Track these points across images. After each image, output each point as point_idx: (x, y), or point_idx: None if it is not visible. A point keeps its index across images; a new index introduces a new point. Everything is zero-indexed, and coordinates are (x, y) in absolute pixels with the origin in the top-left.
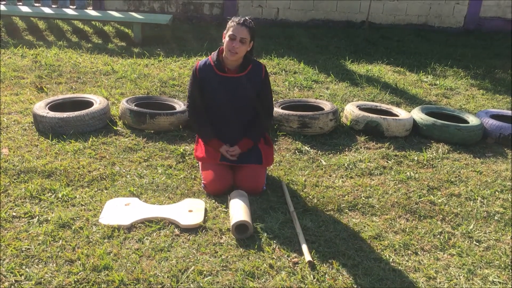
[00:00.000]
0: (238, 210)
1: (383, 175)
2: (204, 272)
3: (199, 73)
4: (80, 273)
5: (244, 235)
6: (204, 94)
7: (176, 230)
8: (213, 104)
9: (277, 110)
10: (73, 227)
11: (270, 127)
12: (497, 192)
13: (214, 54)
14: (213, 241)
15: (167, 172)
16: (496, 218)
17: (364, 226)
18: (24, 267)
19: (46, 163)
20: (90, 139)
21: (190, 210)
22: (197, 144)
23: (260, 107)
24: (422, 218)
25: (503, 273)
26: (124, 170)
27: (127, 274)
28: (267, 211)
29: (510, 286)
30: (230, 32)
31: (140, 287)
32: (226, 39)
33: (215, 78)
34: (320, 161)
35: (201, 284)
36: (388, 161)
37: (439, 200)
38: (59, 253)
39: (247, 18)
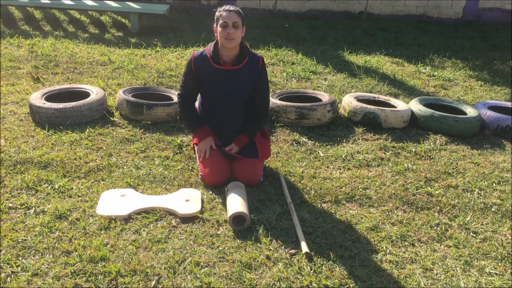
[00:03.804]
0: (235, 201)
1: (381, 166)
2: (201, 264)
3: (194, 65)
4: (76, 264)
5: (241, 227)
6: (199, 86)
7: (173, 221)
8: (208, 97)
9: (275, 101)
10: (69, 218)
11: (266, 121)
12: (494, 184)
13: (211, 46)
14: (210, 232)
15: (164, 163)
16: (493, 209)
17: (361, 218)
18: (20, 258)
19: (42, 154)
20: (87, 130)
21: (187, 200)
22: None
23: (256, 101)
24: (419, 209)
25: (500, 264)
26: (121, 161)
27: (124, 266)
28: (264, 203)
29: (507, 278)
30: (221, 21)
31: (137, 279)
32: (219, 30)
33: (211, 70)
34: (318, 152)
35: (198, 276)
36: (386, 153)
37: (437, 192)
38: (56, 244)
39: (231, 5)
